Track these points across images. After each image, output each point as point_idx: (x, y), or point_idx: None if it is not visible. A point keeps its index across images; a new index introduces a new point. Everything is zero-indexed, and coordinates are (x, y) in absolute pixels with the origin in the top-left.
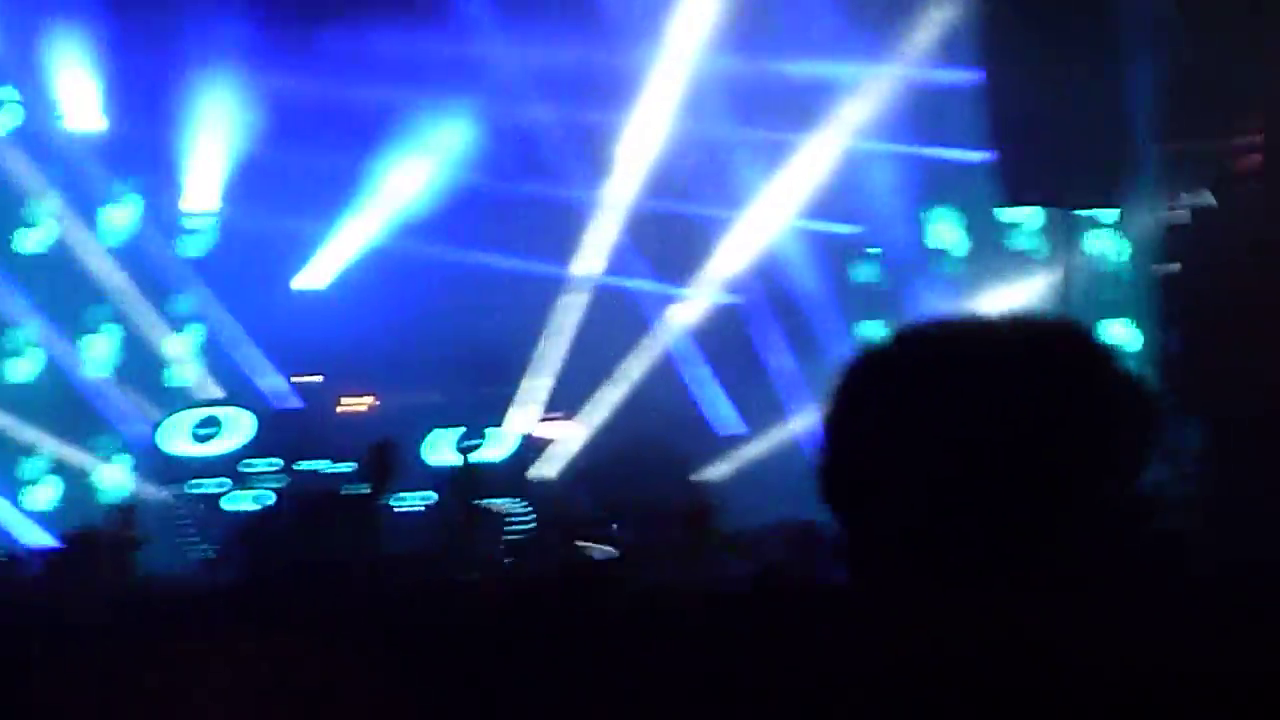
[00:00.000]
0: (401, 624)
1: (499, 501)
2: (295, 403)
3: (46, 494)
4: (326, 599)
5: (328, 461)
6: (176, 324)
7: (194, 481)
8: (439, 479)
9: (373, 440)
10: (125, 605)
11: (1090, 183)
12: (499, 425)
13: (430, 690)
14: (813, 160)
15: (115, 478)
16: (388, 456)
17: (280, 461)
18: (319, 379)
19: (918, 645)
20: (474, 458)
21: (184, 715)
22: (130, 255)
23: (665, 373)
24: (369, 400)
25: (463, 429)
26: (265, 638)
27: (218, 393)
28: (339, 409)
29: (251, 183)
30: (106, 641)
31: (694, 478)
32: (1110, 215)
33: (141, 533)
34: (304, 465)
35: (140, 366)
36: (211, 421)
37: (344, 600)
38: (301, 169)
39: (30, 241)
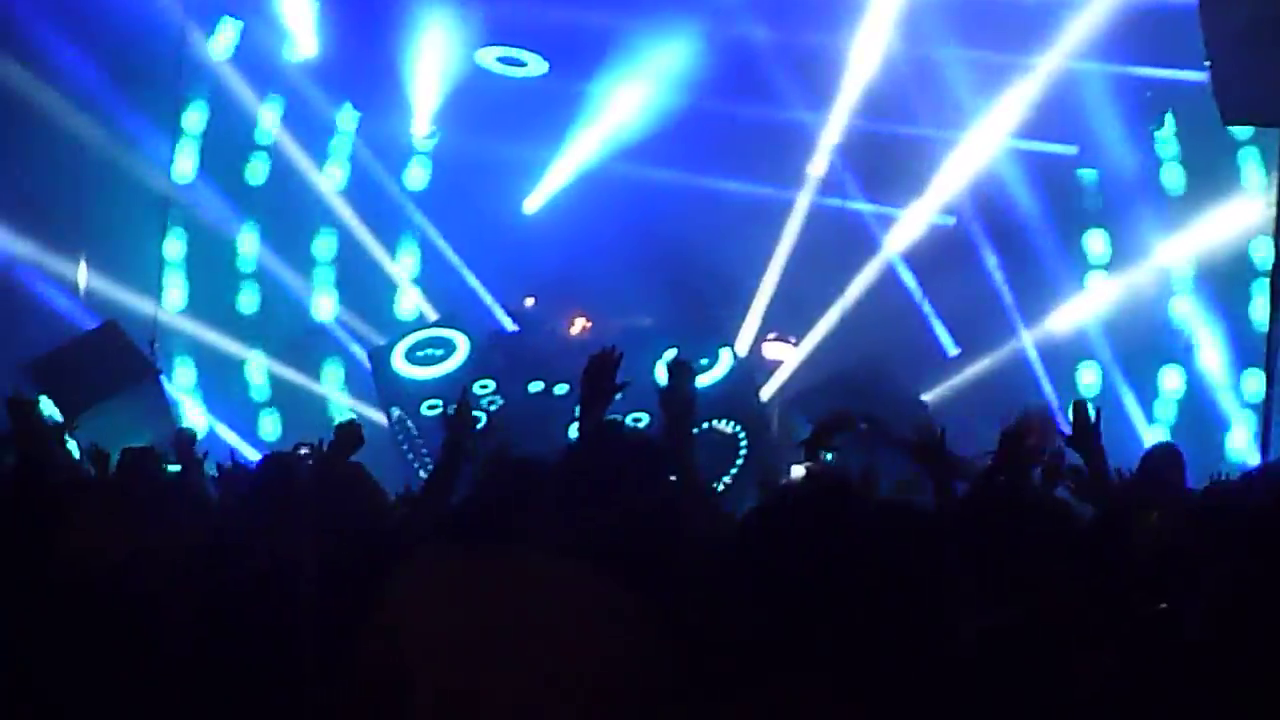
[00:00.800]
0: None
1: (717, 424)
2: (509, 325)
3: (272, 421)
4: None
5: (540, 383)
6: (396, 247)
7: (431, 402)
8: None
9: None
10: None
11: None
12: (717, 347)
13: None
14: (1031, 80)
15: (340, 400)
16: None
17: (493, 383)
18: (533, 302)
19: None
20: (688, 379)
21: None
22: (351, 181)
23: (886, 294)
24: (583, 323)
25: (674, 350)
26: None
27: (434, 315)
28: (552, 331)
29: (471, 108)
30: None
31: (919, 399)
32: None
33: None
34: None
35: (362, 288)
36: (432, 343)
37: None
38: (521, 93)
39: (256, 172)
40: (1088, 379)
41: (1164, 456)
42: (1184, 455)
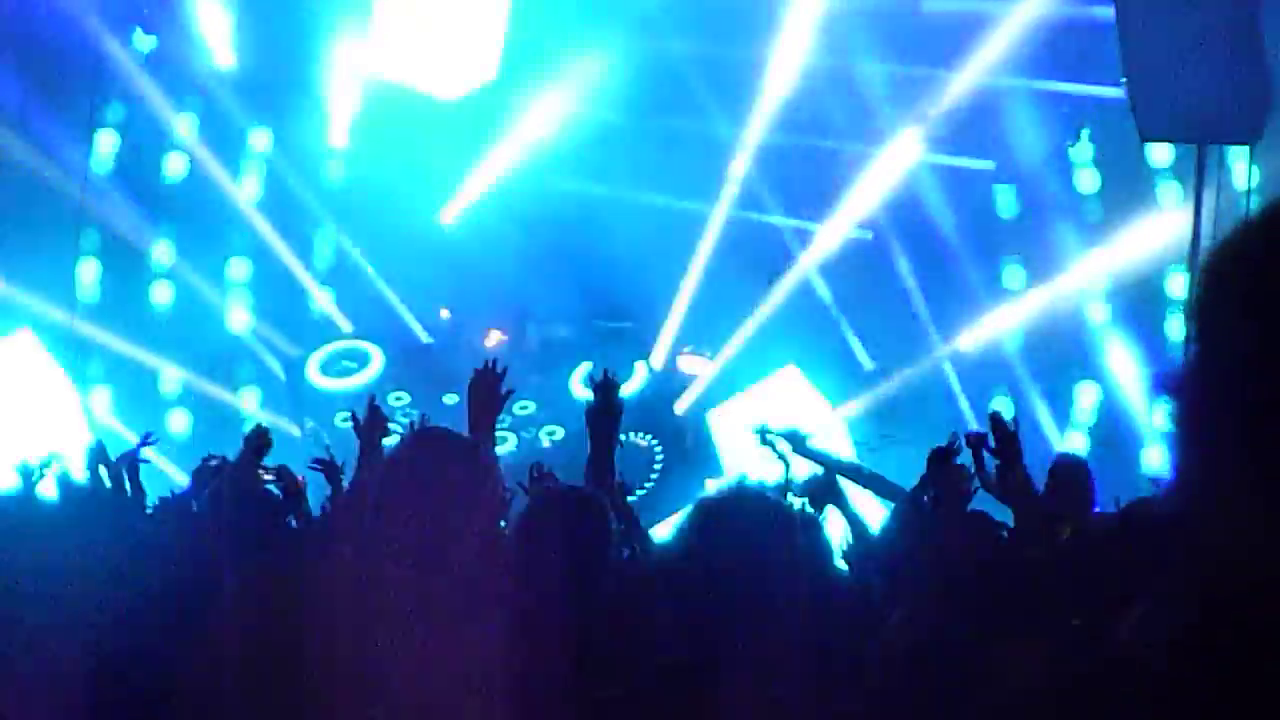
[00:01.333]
0: None
1: (633, 436)
2: (425, 337)
3: (182, 423)
4: None
5: (456, 396)
6: (311, 258)
7: (345, 414)
8: (572, 413)
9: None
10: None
11: (1226, 118)
12: (633, 360)
13: None
14: (949, 94)
15: (253, 409)
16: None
17: (408, 395)
18: (448, 314)
19: None
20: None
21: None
22: (266, 189)
23: (803, 308)
24: (498, 335)
25: (590, 363)
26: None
27: (349, 328)
28: (467, 344)
29: (387, 119)
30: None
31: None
32: (1244, 151)
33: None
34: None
35: (277, 300)
36: (347, 355)
37: None
38: (437, 105)
39: (171, 179)
40: (1001, 395)
41: (1071, 469)
42: (1090, 469)
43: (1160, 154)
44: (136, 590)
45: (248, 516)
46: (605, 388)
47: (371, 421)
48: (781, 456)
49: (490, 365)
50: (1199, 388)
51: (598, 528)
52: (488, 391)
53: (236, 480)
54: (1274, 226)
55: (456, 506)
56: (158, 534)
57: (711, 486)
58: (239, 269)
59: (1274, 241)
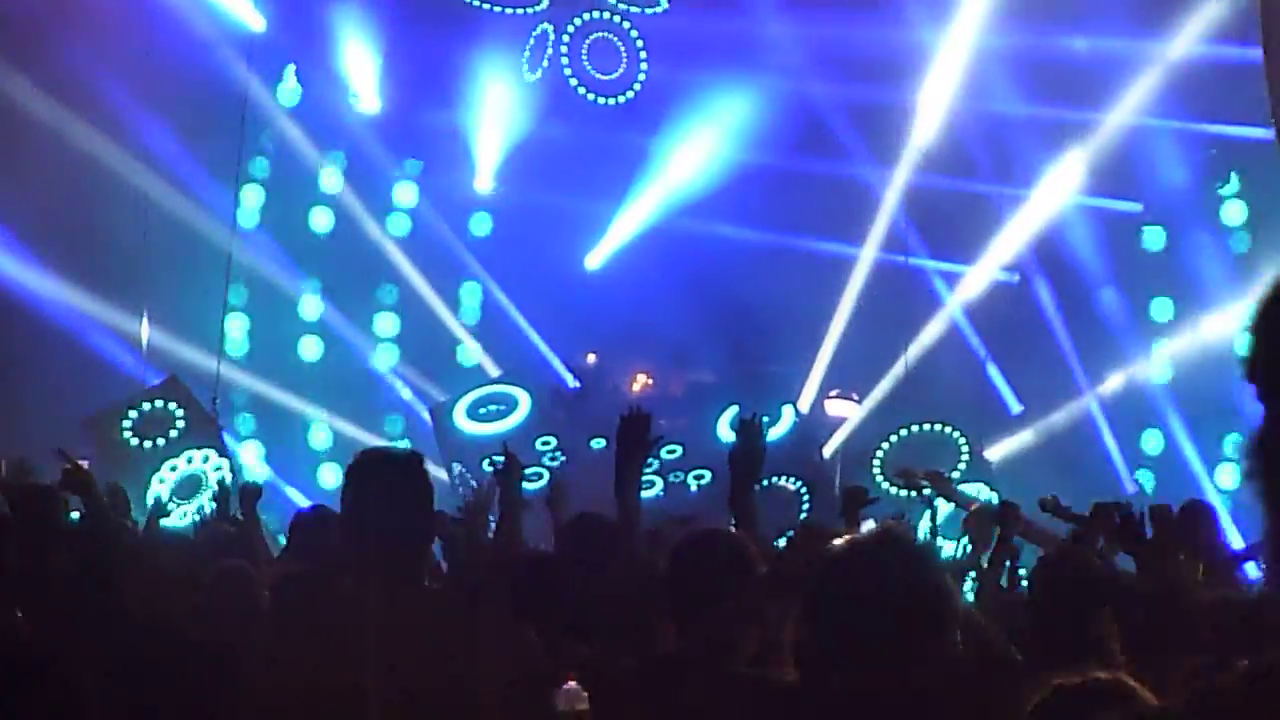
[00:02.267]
0: None
1: (779, 480)
2: (571, 381)
3: (332, 474)
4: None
5: (603, 440)
6: (458, 304)
7: (493, 458)
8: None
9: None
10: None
11: None
12: (780, 404)
13: None
14: (1096, 137)
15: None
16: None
17: (555, 439)
18: (594, 359)
19: None
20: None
21: None
22: (414, 235)
23: (949, 351)
24: (645, 379)
25: (736, 407)
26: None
27: (495, 371)
28: (614, 388)
29: (533, 163)
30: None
31: (984, 456)
32: None
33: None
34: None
35: (424, 346)
36: (494, 400)
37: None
38: (583, 149)
39: (318, 226)
40: (1152, 440)
41: (1196, 513)
42: (1213, 513)
43: None
44: None
45: None
46: (748, 431)
47: (509, 472)
48: (929, 498)
49: (637, 411)
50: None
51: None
52: (635, 437)
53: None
54: None
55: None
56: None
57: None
58: (386, 316)
59: None
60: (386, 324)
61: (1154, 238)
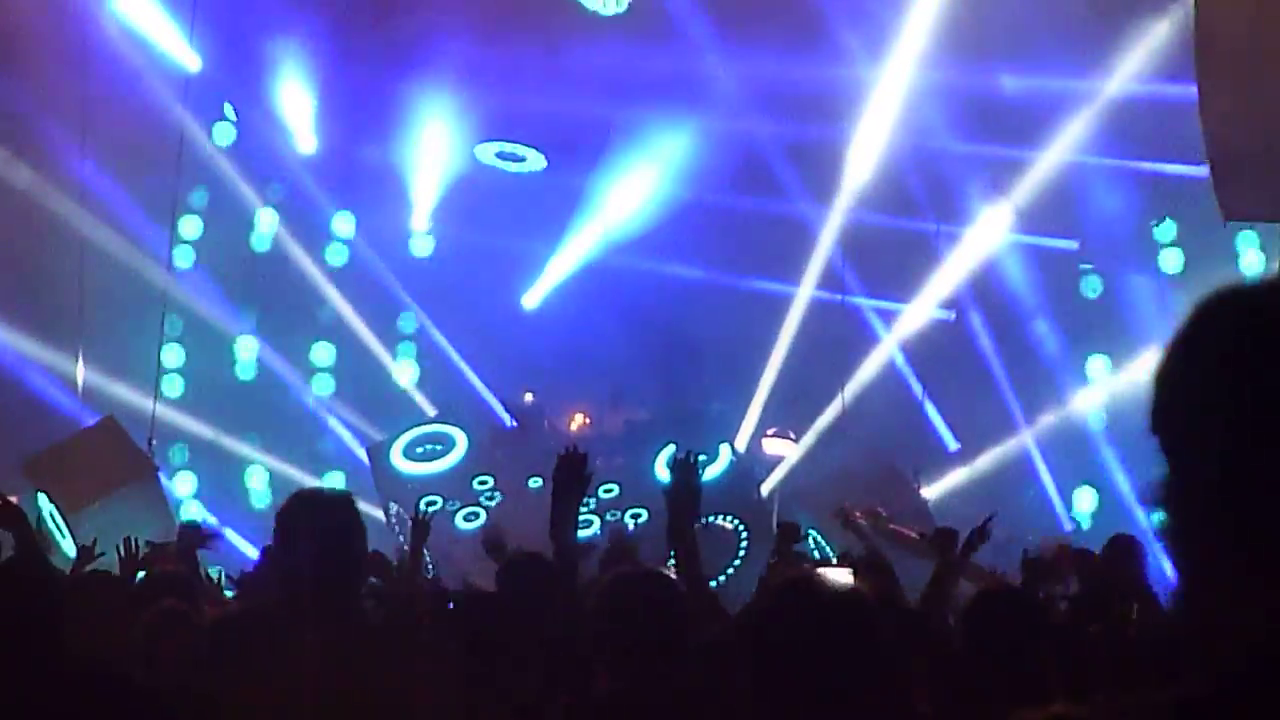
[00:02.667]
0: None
1: (717, 519)
2: (508, 420)
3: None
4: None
5: (540, 479)
6: (394, 341)
7: (430, 498)
8: (657, 496)
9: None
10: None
11: None
12: (717, 443)
13: None
14: (1031, 175)
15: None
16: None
17: (492, 479)
18: (531, 397)
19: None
20: (694, 476)
21: None
22: (350, 274)
23: (888, 388)
24: (582, 418)
25: (673, 446)
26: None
27: (432, 411)
28: (551, 427)
29: (469, 203)
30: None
31: (921, 494)
32: None
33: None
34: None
35: (360, 383)
36: (430, 439)
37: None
38: (519, 188)
39: (255, 261)
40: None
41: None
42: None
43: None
44: None
45: None
46: (683, 469)
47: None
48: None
49: (573, 450)
50: (1180, 503)
51: (673, 608)
52: (571, 476)
53: None
54: (1212, 324)
55: None
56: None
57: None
58: (322, 354)
59: (1221, 337)
60: (323, 375)
61: (1092, 284)
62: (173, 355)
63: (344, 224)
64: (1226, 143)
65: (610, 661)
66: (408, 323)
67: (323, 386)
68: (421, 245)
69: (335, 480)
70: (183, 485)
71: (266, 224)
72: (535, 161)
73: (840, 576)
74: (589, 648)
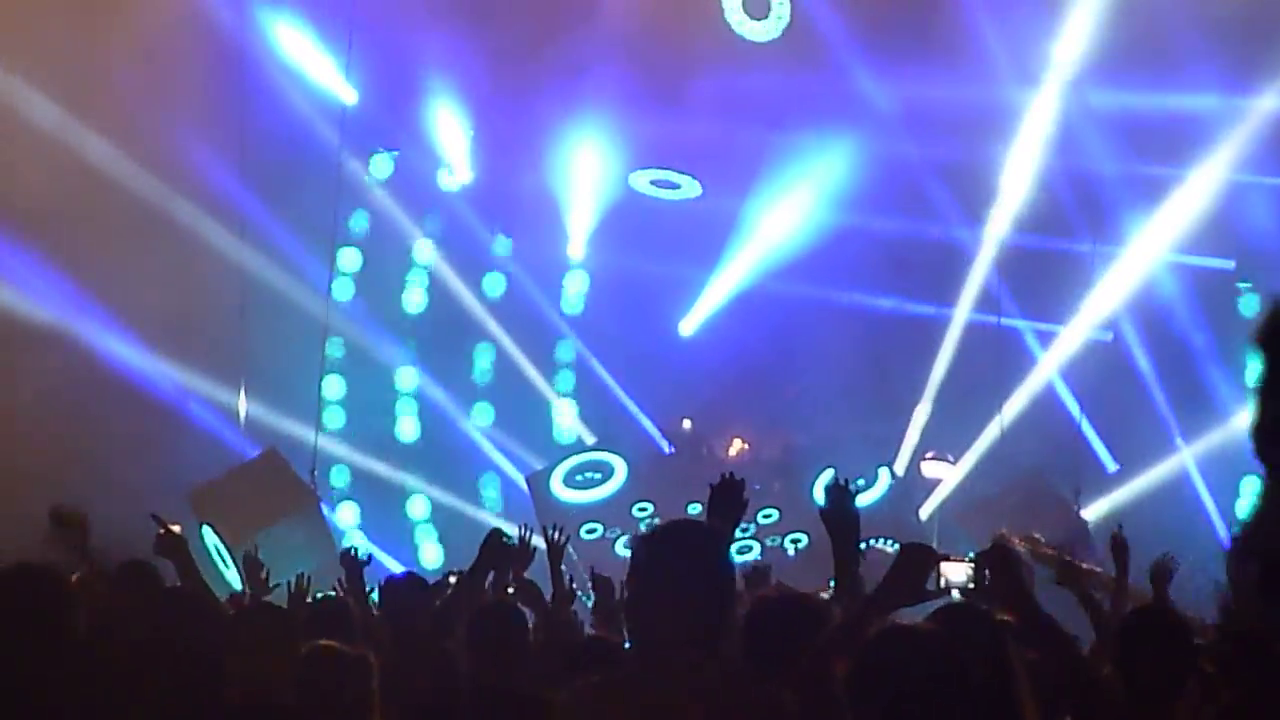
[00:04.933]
0: None
1: (877, 543)
2: (666, 447)
3: (434, 551)
4: None
5: (699, 505)
6: (553, 371)
7: (590, 525)
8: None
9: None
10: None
11: None
12: (876, 466)
13: None
14: (1189, 194)
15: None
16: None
17: (651, 506)
18: (690, 424)
19: None
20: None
21: None
22: (508, 303)
23: (1046, 410)
24: (740, 444)
25: (831, 470)
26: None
27: (592, 439)
28: (709, 453)
29: (625, 230)
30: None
31: (1080, 516)
32: None
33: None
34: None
35: (520, 413)
36: (591, 467)
37: None
38: (674, 215)
39: (413, 297)
40: (1250, 492)
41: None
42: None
43: None
44: None
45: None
46: (837, 493)
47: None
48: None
49: (730, 476)
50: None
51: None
52: (728, 503)
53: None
54: None
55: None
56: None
57: None
58: (482, 384)
59: None
60: (483, 403)
61: (1249, 303)
62: (334, 387)
63: (501, 253)
64: None
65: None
66: (565, 351)
67: (483, 417)
68: (577, 280)
69: (497, 510)
70: (345, 516)
71: (424, 257)
72: (690, 188)
73: (957, 571)
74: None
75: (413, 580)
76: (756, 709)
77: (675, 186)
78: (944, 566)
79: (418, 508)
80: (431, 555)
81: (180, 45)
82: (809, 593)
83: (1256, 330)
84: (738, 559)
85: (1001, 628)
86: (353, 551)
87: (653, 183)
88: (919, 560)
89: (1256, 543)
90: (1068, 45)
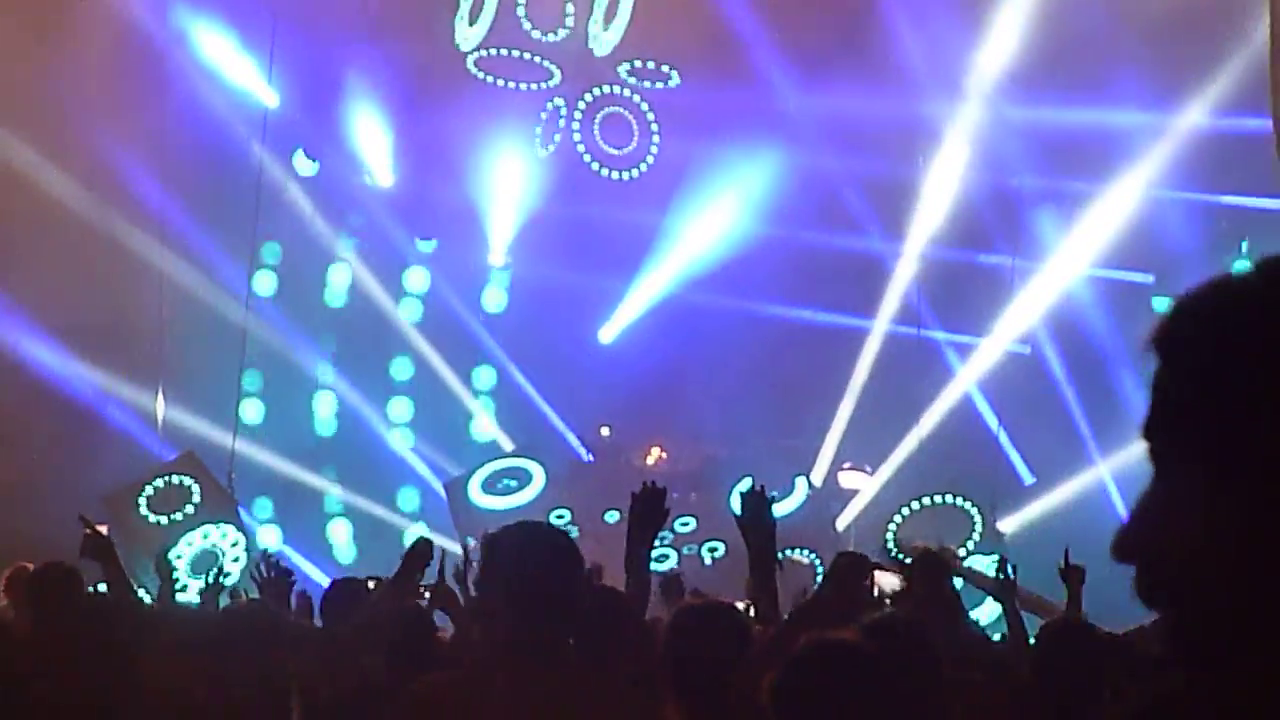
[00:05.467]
0: None
1: (793, 553)
2: (585, 455)
3: (347, 546)
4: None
5: (617, 513)
6: (472, 377)
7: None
8: (733, 530)
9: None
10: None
11: None
12: (793, 476)
13: None
14: (1108, 208)
15: (417, 530)
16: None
17: (569, 513)
18: (608, 432)
19: None
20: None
21: None
22: (428, 309)
23: (964, 422)
24: (658, 453)
25: (749, 479)
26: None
27: (510, 446)
28: (628, 461)
29: (544, 238)
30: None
31: (997, 529)
32: None
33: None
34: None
35: (438, 418)
36: (509, 474)
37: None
38: (597, 223)
39: (333, 297)
40: None
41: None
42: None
43: None
44: None
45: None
46: (753, 501)
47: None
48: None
49: (651, 485)
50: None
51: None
52: (649, 511)
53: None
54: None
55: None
56: None
57: None
58: (400, 388)
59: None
60: (401, 407)
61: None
62: (252, 391)
63: (419, 272)
64: None
65: (676, 697)
66: (485, 356)
67: (403, 437)
68: (496, 287)
69: (414, 515)
70: (261, 512)
71: (344, 260)
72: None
73: (889, 581)
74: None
75: (349, 587)
76: (597, 706)
77: None
78: (878, 576)
79: (332, 505)
80: (346, 554)
81: (100, 48)
82: (728, 602)
83: (1152, 331)
84: (655, 566)
85: (934, 641)
86: (269, 555)
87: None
88: (854, 569)
89: (1130, 543)
90: (989, 60)
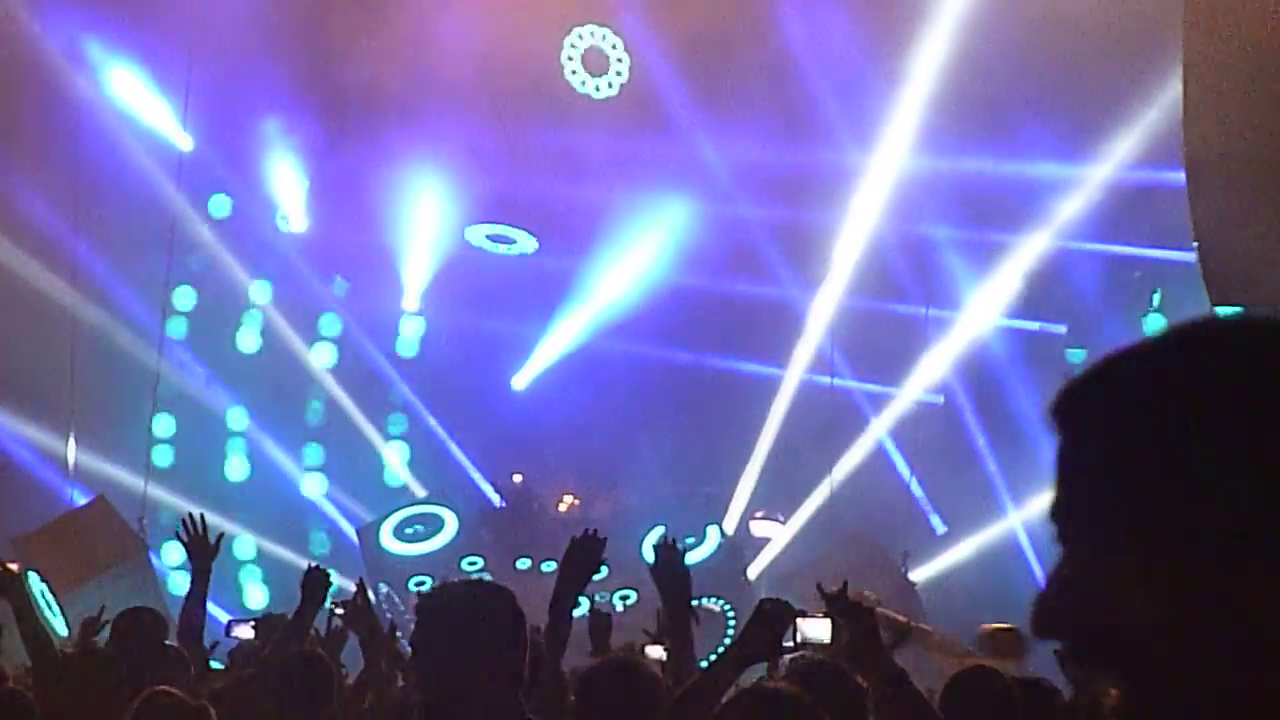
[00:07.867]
0: None
1: (705, 601)
2: (497, 501)
3: (259, 594)
4: None
5: (528, 560)
6: (385, 422)
7: (418, 578)
8: (645, 578)
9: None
10: None
11: None
12: (705, 525)
13: None
14: (1021, 259)
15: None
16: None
17: (481, 560)
18: (520, 479)
19: None
20: (678, 557)
21: None
22: (339, 353)
23: (877, 471)
24: (570, 500)
25: (661, 528)
26: None
27: (422, 492)
28: (540, 508)
29: (460, 284)
30: None
31: (908, 579)
32: None
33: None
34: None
35: (350, 464)
36: (419, 519)
37: None
38: (510, 270)
39: (246, 341)
40: None
41: None
42: None
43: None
44: None
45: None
46: (666, 551)
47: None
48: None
49: (593, 533)
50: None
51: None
52: (585, 560)
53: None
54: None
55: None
56: None
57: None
58: (312, 433)
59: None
60: (314, 452)
61: (1078, 360)
62: (164, 434)
63: (335, 302)
64: (1213, 227)
65: None
66: (397, 401)
67: (316, 483)
68: (410, 332)
69: (325, 560)
70: (171, 556)
71: (258, 304)
72: (526, 244)
73: (815, 627)
74: None
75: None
76: None
77: (511, 241)
78: (800, 622)
79: (244, 550)
80: (257, 598)
81: (12, 89)
82: (638, 657)
83: (1051, 403)
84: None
85: (860, 688)
86: (193, 516)
87: (489, 237)
88: (776, 616)
89: (1054, 619)
90: (904, 112)
